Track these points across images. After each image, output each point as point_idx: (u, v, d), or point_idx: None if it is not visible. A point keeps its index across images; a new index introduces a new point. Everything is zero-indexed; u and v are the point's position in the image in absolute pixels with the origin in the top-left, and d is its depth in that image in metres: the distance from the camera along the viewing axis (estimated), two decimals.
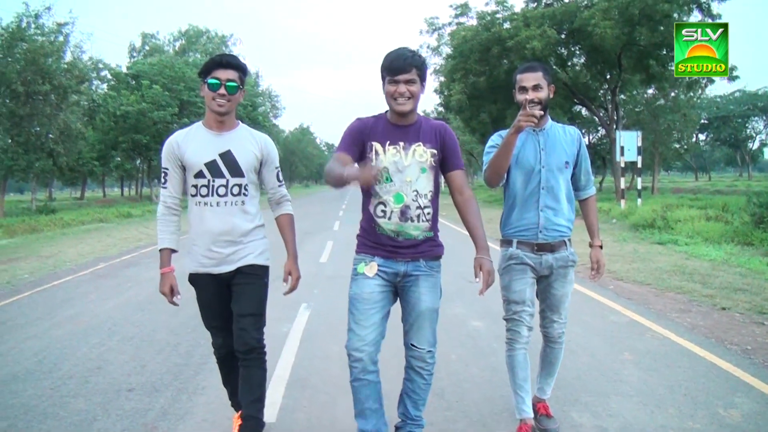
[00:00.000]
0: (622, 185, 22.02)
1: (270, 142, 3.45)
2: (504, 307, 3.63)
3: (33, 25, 28.13)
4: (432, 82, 38.00)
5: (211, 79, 3.18)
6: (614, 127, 28.42)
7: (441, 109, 38.91)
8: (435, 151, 3.11)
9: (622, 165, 21.43)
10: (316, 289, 8.36)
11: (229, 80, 3.18)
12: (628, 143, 20.75)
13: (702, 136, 76.59)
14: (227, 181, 3.25)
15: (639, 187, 21.62)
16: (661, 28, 23.70)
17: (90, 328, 6.58)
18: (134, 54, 54.28)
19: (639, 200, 20.45)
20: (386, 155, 3.07)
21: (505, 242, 3.63)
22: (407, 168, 3.06)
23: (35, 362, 5.36)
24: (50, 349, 5.78)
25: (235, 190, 3.28)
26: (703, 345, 5.40)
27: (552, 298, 3.63)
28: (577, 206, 3.75)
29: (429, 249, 3.17)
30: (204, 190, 3.26)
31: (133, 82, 41.89)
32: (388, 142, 3.08)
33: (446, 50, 34.37)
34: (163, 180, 3.33)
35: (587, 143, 50.36)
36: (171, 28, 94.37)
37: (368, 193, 3.16)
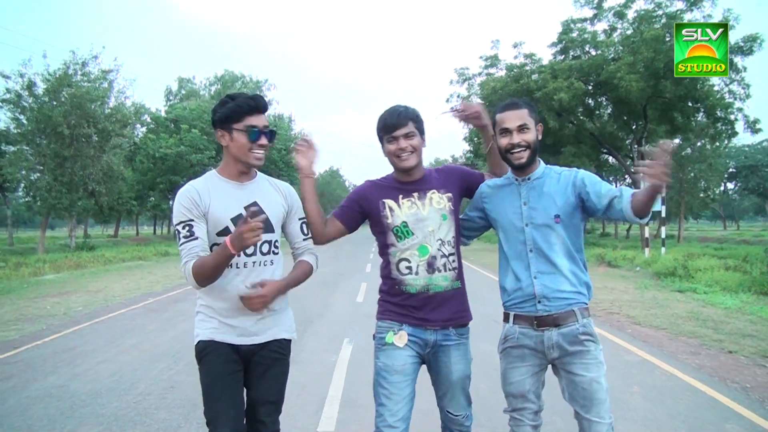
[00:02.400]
0: (647, 233, 22.50)
1: (293, 191, 3.09)
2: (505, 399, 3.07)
3: (80, 72, 29.70)
4: (462, 129, 39.10)
5: (250, 129, 2.76)
6: (640, 176, 28.90)
7: (471, 155, 39.71)
8: (451, 195, 3.00)
9: None
10: (355, 326, 9.16)
11: (266, 127, 2.81)
12: None
13: (730, 185, 76.42)
14: None
15: (663, 236, 22.06)
16: (686, 81, 24.34)
17: (155, 355, 7.36)
18: (170, 98, 55.95)
19: (663, 249, 20.89)
20: (402, 209, 2.96)
21: (505, 316, 3.03)
22: (427, 218, 2.93)
23: (113, 381, 6.18)
24: (123, 371, 6.58)
25: (265, 247, 2.86)
26: (706, 382, 6.01)
27: (577, 389, 2.83)
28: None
29: (457, 316, 3.00)
30: None
31: (172, 125, 43.53)
32: (401, 196, 2.98)
33: (476, 100, 35.37)
34: (187, 233, 2.72)
35: None
36: (207, 72, 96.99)
37: (385, 253, 3.03)
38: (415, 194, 2.97)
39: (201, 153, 40.56)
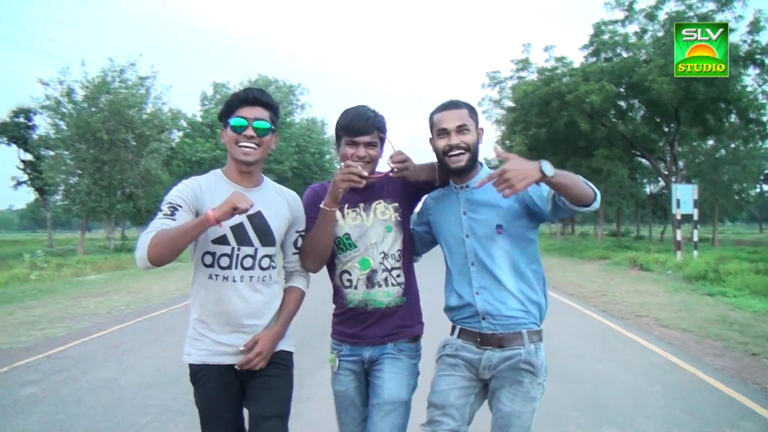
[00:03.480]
0: (679, 236, 22.41)
1: (299, 201, 2.85)
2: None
3: (118, 79, 30.45)
4: (494, 132, 39.44)
5: (234, 119, 2.56)
6: (672, 179, 28.76)
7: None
8: (398, 204, 2.81)
9: (678, 217, 21.85)
10: None
11: (258, 119, 2.57)
12: (684, 196, 21.06)
13: (766, 187, 75.08)
14: (256, 250, 2.62)
15: (695, 239, 21.93)
16: (717, 83, 24.19)
17: None
18: (206, 102, 56.65)
19: (695, 252, 20.80)
20: (346, 220, 2.78)
21: (452, 329, 2.83)
22: (370, 229, 2.76)
23: (159, 375, 6.59)
24: (168, 366, 6.96)
25: (265, 262, 2.65)
26: (727, 383, 6.18)
27: (496, 417, 2.61)
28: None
29: (396, 332, 2.79)
30: (225, 261, 2.58)
31: (208, 130, 44.29)
32: (347, 206, 2.78)
33: (508, 103, 35.50)
34: (168, 212, 2.47)
35: (648, 194, 50.42)
36: (241, 77, 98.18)
37: (331, 263, 2.86)
38: (362, 204, 2.79)
39: None
